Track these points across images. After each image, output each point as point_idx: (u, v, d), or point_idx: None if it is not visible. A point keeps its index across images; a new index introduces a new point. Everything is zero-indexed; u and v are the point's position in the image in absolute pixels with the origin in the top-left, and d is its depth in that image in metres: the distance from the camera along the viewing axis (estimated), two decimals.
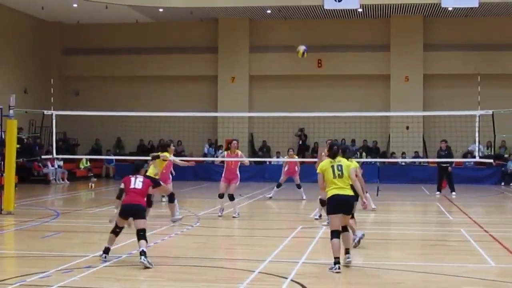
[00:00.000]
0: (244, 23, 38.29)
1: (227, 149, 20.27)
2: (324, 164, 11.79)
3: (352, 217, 13.05)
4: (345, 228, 11.68)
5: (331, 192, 11.54)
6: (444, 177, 27.88)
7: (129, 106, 33.79)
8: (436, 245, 14.84)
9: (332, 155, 11.81)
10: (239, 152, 19.77)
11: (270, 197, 24.93)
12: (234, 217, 18.71)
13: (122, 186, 12.45)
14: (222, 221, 18.33)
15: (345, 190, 11.55)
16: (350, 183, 11.71)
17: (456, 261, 12.44)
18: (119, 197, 12.45)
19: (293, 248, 13.66)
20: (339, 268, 11.10)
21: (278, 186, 24.86)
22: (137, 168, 12.84)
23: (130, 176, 12.58)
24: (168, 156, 18.32)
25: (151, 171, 16.92)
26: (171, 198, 17.55)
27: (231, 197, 18.85)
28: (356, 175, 12.26)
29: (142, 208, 12.21)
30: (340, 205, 11.47)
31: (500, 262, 12.24)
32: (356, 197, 12.13)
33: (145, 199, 12.53)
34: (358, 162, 16.23)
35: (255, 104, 37.83)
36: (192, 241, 14.80)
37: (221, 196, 18.89)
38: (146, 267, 11.29)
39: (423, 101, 36.62)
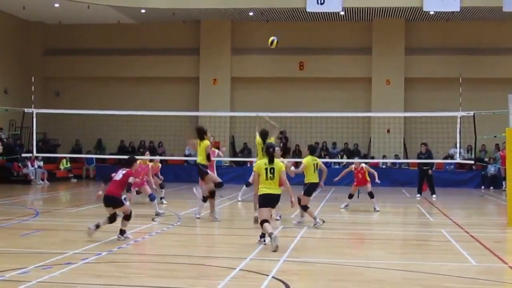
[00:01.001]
0: (226, 25, 38.27)
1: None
2: (260, 165, 13.56)
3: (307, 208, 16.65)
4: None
5: (262, 190, 13.44)
6: (425, 180, 27.99)
7: (110, 107, 33.49)
8: (417, 245, 14.87)
9: (271, 158, 13.53)
10: (216, 151, 20.07)
11: (240, 200, 24.57)
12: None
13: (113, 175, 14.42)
14: (203, 221, 18.24)
15: (274, 190, 13.51)
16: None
17: (437, 260, 12.44)
18: (105, 182, 14.50)
19: None
20: (269, 239, 13.08)
21: (248, 185, 23.72)
22: (129, 162, 14.58)
23: (121, 169, 14.44)
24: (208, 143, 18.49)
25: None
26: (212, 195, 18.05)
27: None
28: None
29: (115, 199, 13.97)
30: (269, 201, 13.49)
31: (480, 261, 12.27)
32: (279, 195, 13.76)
33: (122, 188, 14.18)
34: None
35: (237, 106, 37.82)
36: (173, 239, 14.76)
37: (205, 200, 18.60)
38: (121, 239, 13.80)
39: (404, 104, 36.75)
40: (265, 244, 13.37)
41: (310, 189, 17.27)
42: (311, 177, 17.26)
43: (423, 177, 28.13)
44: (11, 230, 15.66)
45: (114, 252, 12.50)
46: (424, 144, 28.09)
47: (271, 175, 13.42)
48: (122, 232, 14.00)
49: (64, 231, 15.77)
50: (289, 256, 12.39)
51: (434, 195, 27.19)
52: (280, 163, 13.80)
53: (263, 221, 13.42)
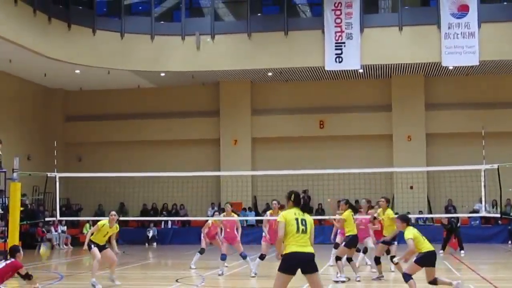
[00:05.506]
0: (246, 86, 38.46)
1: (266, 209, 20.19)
2: (289, 214, 10.38)
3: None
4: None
5: (290, 248, 10.20)
6: (453, 236, 27.87)
7: (132, 170, 33.63)
8: None
9: (304, 207, 10.59)
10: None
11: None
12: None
13: None
14: (227, 281, 18.10)
15: (307, 248, 10.24)
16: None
17: None
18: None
19: None
20: None
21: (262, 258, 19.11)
22: (11, 252, 13.17)
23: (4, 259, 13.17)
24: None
25: None
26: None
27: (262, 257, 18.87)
28: None
29: None
30: (299, 264, 10.18)
31: None
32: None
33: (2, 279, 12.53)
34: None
35: (258, 166, 37.75)
36: None
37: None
38: None
39: (426, 160, 36.52)
40: None
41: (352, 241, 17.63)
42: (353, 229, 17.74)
43: (450, 233, 27.96)
44: None
45: None
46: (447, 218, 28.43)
47: (303, 227, 10.27)
48: None
49: None
50: None
51: (462, 251, 26.94)
52: (311, 218, 10.55)
53: None
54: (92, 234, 17.03)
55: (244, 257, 19.25)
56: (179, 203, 37.56)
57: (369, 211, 20.17)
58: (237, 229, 19.48)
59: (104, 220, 17.21)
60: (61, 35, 32.74)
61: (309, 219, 10.45)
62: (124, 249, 31.20)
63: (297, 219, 10.27)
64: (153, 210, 37.89)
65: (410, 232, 13.58)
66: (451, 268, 21.68)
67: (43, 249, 19.16)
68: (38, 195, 33.99)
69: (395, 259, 16.05)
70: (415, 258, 13.81)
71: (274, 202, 19.43)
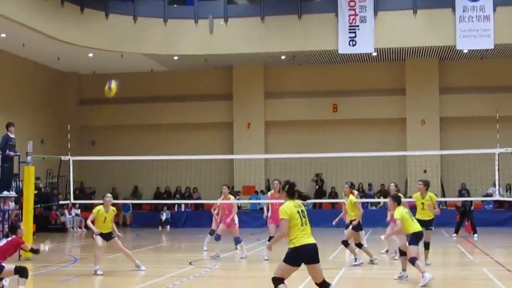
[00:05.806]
0: (259, 69, 38.37)
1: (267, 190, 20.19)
2: (291, 208, 10.22)
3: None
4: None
5: (299, 241, 10.14)
6: (466, 220, 27.86)
7: (145, 154, 33.66)
8: (459, 284, 14.62)
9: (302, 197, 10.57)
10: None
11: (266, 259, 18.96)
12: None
13: None
14: (240, 264, 18.13)
15: (311, 239, 10.23)
16: None
17: None
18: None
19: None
20: None
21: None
22: (12, 229, 13.15)
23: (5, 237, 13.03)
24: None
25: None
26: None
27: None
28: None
29: None
30: (309, 256, 10.17)
31: None
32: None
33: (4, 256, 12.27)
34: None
35: (271, 150, 37.67)
36: (211, 282, 14.65)
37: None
38: None
39: (440, 144, 36.36)
40: None
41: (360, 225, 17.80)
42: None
43: (463, 217, 27.94)
44: (50, 277, 15.70)
45: None
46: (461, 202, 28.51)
47: (305, 219, 10.25)
48: None
49: (102, 277, 15.75)
50: None
51: (475, 235, 26.91)
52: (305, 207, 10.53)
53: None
54: (92, 221, 16.81)
55: (237, 242, 19.34)
56: (192, 187, 37.62)
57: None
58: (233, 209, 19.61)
59: (98, 206, 16.95)
60: (74, 18, 32.70)
61: (305, 208, 10.40)
62: (137, 232, 31.37)
63: (298, 212, 10.17)
64: (166, 193, 37.96)
65: (399, 213, 14.24)
66: (464, 252, 21.64)
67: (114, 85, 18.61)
68: (51, 178, 34.16)
69: (382, 237, 16.27)
70: (408, 241, 14.32)
71: (276, 181, 19.05)
